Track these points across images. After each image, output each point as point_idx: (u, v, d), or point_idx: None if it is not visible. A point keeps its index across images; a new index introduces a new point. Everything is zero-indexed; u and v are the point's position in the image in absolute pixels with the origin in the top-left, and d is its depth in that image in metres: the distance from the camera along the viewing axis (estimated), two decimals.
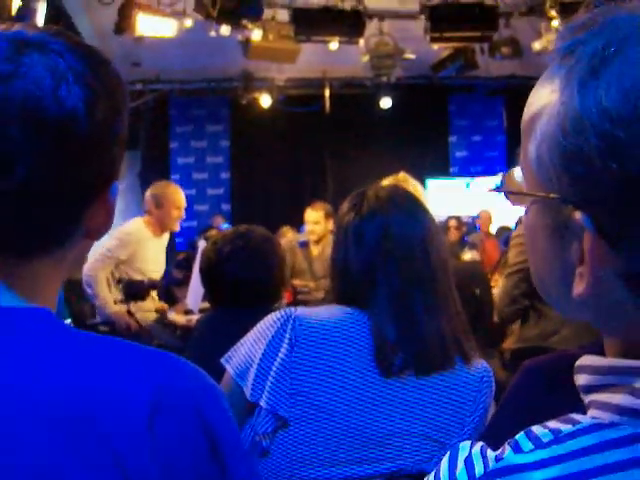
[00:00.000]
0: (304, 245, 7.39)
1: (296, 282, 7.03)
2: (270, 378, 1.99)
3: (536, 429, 0.73)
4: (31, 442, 0.83)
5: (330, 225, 7.49)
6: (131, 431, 0.86)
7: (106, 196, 1.00)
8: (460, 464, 0.76)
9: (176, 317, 5.50)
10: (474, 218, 12.82)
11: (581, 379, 0.81)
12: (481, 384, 2.10)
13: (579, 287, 0.76)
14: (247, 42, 9.29)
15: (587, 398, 0.78)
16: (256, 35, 9.02)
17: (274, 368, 1.99)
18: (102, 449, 0.84)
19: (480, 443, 0.78)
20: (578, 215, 0.72)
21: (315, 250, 7.42)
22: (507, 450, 0.73)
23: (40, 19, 5.96)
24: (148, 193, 5.76)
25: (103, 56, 1.01)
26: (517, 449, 0.72)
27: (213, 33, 8.54)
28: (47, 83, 0.90)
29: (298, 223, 7.62)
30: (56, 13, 7.10)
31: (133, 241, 5.63)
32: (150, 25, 8.02)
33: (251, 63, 10.84)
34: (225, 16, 8.09)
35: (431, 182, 12.75)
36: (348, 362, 2.01)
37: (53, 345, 0.90)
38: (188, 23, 8.54)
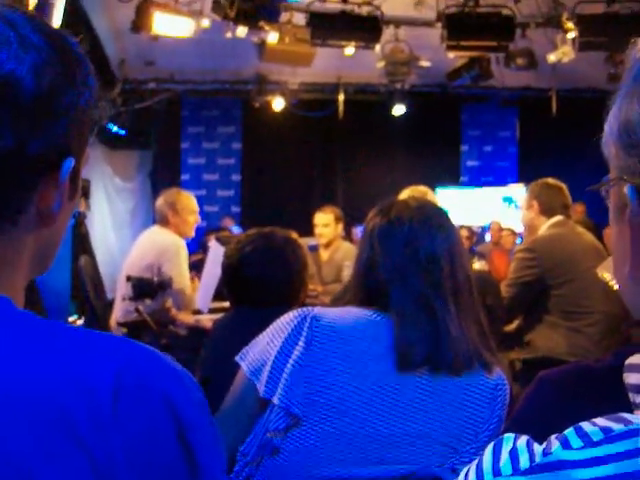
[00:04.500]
0: (313, 249, 7.37)
1: None
2: (284, 375, 1.99)
3: (585, 426, 0.72)
4: (4, 431, 0.81)
5: (339, 229, 7.49)
6: (96, 419, 0.83)
7: (57, 174, 0.96)
8: (504, 455, 0.74)
9: (184, 317, 5.49)
10: (483, 228, 12.82)
11: (632, 378, 0.81)
12: (496, 392, 2.10)
13: (627, 265, 0.78)
14: (262, 44, 9.30)
15: (638, 398, 0.77)
16: (272, 37, 9.02)
17: (289, 366, 1.99)
18: (69, 438, 0.82)
19: (525, 436, 0.76)
20: (626, 188, 0.81)
21: (324, 255, 7.41)
22: (555, 445, 0.71)
23: (58, 15, 5.95)
24: (161, 202, 5.77)
25: (67, 36, 1.00)
26: (566, 445, 0.70)
27: (229, 34, 8.54)
28: None
29: (307, 227, 7.60)
30: (74, 9, 7.10)
31: (182, 246, 5.74)
32: (167, 24, 8.03)
33: (265, 66, 10.85)
34: (242, 17, 8.10)
35: (441, 191, 12.73)
36: (364, 362, 2.01)
37: (10, 334, 0.88)
38: (205, 23, 8.54)
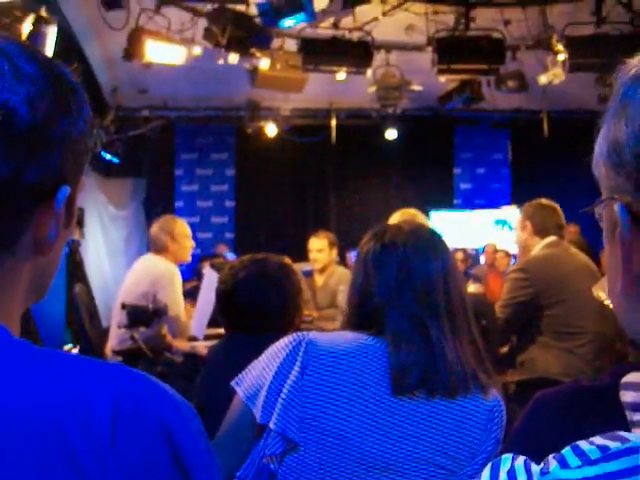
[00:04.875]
0: (308, 274, 7.37)
1: None
2: (280, 400, 1.98)
3: (583, 445, 0.72)
4: (2, 459, 0.81)
5: (334, 254, 7.50)
6: (94, 447, 0.83)
7: (52, 203, 0.96)
8: (502, 476, 0.74)
9: (180, 344, 5.48)
10: (478, 251, 12.84)
11: (628, 396, 0.81)
12: (492, 413, 2.10)
13: (619, 284, 0.79)
14: (254, 71, 9.33)
15: (635, 416, 0.77)
16: (264, 64, 9.06)
17: (285, 391, 1.99)
18: (69, 466, 0.82)
19: (523, 457, 0.76)
20: (616, 207, 0.83)
21: (319, 280, 7.41)
22: (553, 464, 0.71)
23: (50, 43, 5.98)
24: (157, 230, 5.80)
25: (61, 66, 1.01)
26: (564, 464, 0.70)
27: (221, 61, 8.57)
28: None
29: (302, 252, 7.61)
30: (66, 38, 7.13)
31: (176, 273, 5.77)
32: (159, 52, 8.05)
33: (257, 92, 10.88)
34: (234, 44, 8.11)
35: (435, 214, 12.75)
36: (360, 387, 2.00)
37: (7, 362, 0.87)
38: (197, 51, 8.57)
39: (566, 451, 0.72)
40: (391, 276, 2.11)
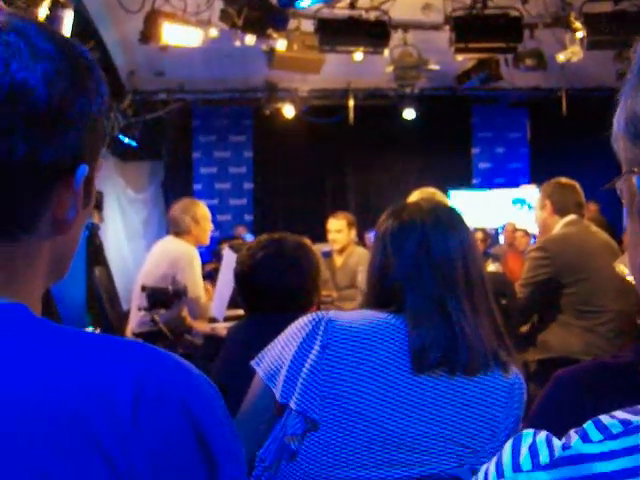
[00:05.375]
0: (327, 255, 7.37)
1: None
2: (301, 380, 1.99)
3: (604, 419, 0.71)
4: (25, 443, 0.81)
5: (352, 235, 7.50)
6: (117, 428, 0.84)
7: (71, 181, 0.96)
8: (524, 451, 0.74)
9: (200, 325, 5.50)
10: (497, 230, 12.80)
11: None
12: (513, 391, 2.10)
13: (638, 256, 0.79)
14: (271, 52, 9.31)
15: None
16: (280, 45, 9.03)
17: (305, 370, 1.99)
18: (93, 449, 0.82)
19: (544, 432, 0.76)
20: (634, 179, 0.83)
21: (338, 260, 7.42)
22: (574, 439, 0.71)
23: (67, 27, 5.99)
24: (180, 213, 5.81)
25: (78, 45, 1.01)
26: (586, 438, 0.70)
27: (238, 43, 8.55)
28: None
29: (320, 233, 7.62)
30: (82, 22, 7.13)
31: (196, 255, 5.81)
32: (176, 34, 8.04)
33: (274, 73, 10.85)
34: (250, 26, 8.10)
35: (454, 194, 12.70)
36: (380, 365, 2.00)
37: (29, 341, 0.88)
38: (213, 33, 8.54)
39: (588, 425, 0.72)
40: (410, 254, 2.10)
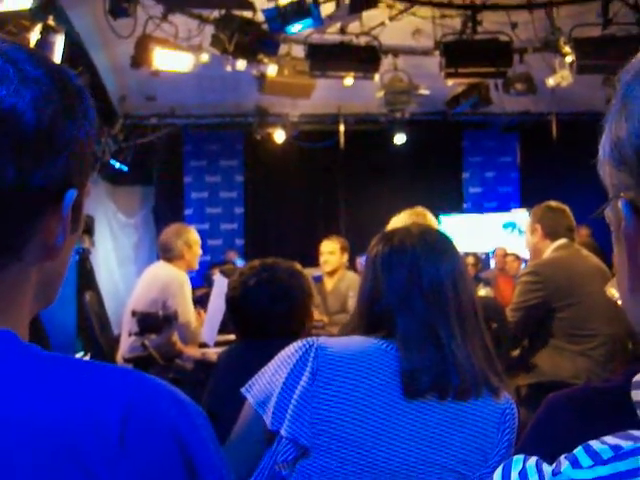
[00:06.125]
0: (318, 280, 7.37)
1: None
2: (291, 407, 1.97)
3: (595, 445, 0.71)
4: (12, 469, 0.80)
5: (344, 259, 7.51)
6: (104, 451, 0.83)
7: (59, 206, 0.96)
8: (514, 477, 0.74)
9: (191, 350, 5.48)
10: (488, 255, 12.81)
11: (639, 396, 0.81)
12: (504, 416, 2.09)
13: (626, 280, 0.80)
14: (262, 77, 9.35)
15: None
16: (271, 70, 9.08)
17: (295, 397, 1.98)
18: (78, 470, 0.82)
19: (534, 457, 0.76)
20: (620, 203, 0.84)
21: (329, 284, 7.42)
22: (564, 464, 0.70)
23: (58, 52, 6.00)
24: (173, 238, 5.84)
25: (66, 70, 1.01)
26: (576, 464, 0.70)
27: (229, 68, 8.59)
28: None
29: (311, 258, 7.62)
30: (74, 46, 7.15)
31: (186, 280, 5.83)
32: (167, 59, 8.07)
33: (265, 98, 10.89)
34: (241, 51, 8.14)
35: (445, 218, 12.72)
36: (371, 391, 1.99)
37: (16, 367, 0.87)
38: (204, 58, 8.58)
39: (578, 451, 0.71)
40: (400, 279, 2.10)
